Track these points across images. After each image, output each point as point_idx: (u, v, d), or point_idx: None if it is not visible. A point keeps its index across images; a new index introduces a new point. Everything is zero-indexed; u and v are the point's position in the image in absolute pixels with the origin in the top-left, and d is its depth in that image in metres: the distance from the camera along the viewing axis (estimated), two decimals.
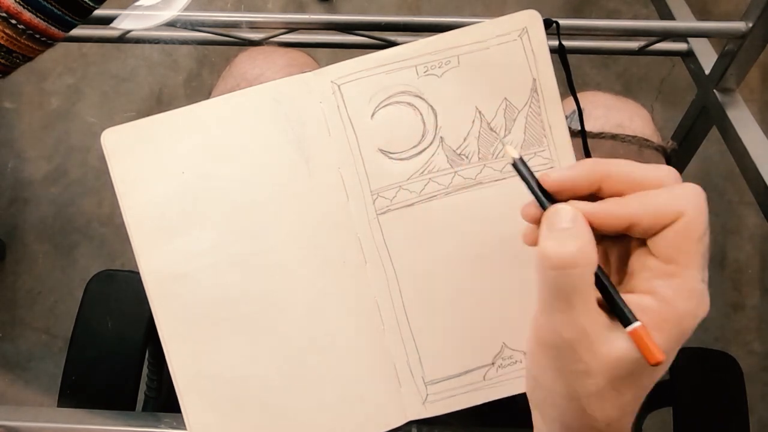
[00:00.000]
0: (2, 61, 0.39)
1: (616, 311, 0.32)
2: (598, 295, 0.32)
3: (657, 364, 0.30)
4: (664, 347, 0.31)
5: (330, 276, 0.43)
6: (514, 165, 0.35)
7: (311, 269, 0.43)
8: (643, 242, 0.33)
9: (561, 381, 0.33)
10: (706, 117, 0.78)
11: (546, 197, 0.34)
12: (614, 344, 0.31)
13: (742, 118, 0.70)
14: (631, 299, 0.32)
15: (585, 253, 0.32)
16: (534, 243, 0.34)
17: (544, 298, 0.33)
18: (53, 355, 1.21)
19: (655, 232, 0.32)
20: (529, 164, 0.36)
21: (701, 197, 0.33)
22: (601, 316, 0.32)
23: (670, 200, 0.32)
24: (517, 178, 0.35)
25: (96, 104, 1.39)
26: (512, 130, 0.42)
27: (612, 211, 0.33)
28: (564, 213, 0.33)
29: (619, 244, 0.35)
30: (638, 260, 0.33)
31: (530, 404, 0.36)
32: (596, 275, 0.32)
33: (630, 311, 0.31)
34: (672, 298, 0.32)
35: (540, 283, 0.33)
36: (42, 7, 0.37)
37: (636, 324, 0.31)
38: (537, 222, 0.34)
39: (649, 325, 0.31)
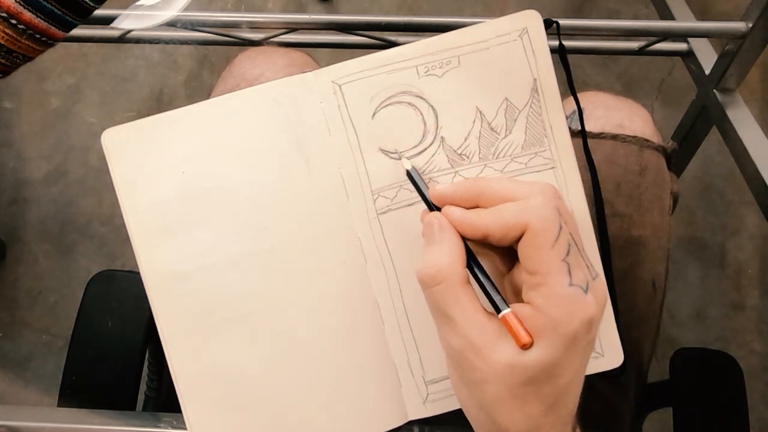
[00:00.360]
0: (3, 61, 0.39)
1: (492, 302, 0.33)
2: (477, 301, 0.35)
3: (525, 347, 0.32)
4: (550, 353, 0.32)
5: (330, 276, 0.43)
6: (408, 175, 0.40)
7: (311, 269, 0.43)
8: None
9: (467, 391, 0.35)
10: (706, 117, 0.78)
11: (434, 207, 0.38)
12: (503, 350, 0.33)
13: (742, 118, 0.70)
14: (515, 308, 0.34)
15: (445, 267, 0.34)
16: None
17: (432, 313, 0.36)
18: (53, 354, 1.21)
19: (509, 243, 0.35)
20: (529, 164, 0.39)
21: (547, 207, 0.34)
22: (488, 324, 0.34)
23: (516, 213, 0.34)
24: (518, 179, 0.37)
25: (96, 104, 1.39)
26: (513, 130, 0.42)
27: (470, 220, 0.36)
28: (434, 221, 0.36)
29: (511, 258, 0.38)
30: (517, 274, 0.36)
31: None
32: (479, 280, 0.35)
33: (502, 300, 0.33)
34: (542, 305, 0.33)
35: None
36: (42, 7, 0.37)
37: (505, 311, 0.33)
38: None
39: (532, 333, 0.33)
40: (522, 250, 0.34)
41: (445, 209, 0.37)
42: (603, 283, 0.35)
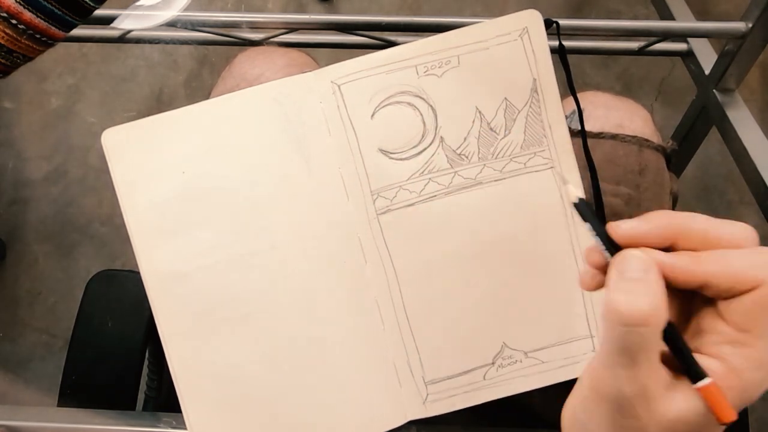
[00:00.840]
0: (3, 61, 0.39)
1: (688, 367, 0.30)
2: (663, 348, 0.31)
3: (726, 423, 0.29)
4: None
5: (330, 276, 0.43)
6: (577, 207, 0.34)
7: (311, 269, 0.43)
8: (712, 301, 0.32)
9: None
10: (705, 117, 0.78)
11: (612, 244, 0.32)
12: (673, 404, 0.31)
13: (741, 118, 0.70)
14: (698, 359, 0.31)
15: (657, 310, 0.30)
16: (590, 287, 0.33)
17: (608, 350, 0.32)
18: (53, 354, 1.21)
19: (730, 296, 0.31)
20: (528, 163, 0.37)
21: None
22: (663, 374, 0.31)
23: (751, 266, 0.31)
24: (518, 178, 0.35)
25: (96, 104, 1.39)
26: (512, 130, 0.42)
27: (687, 268, 0.31)
28: (636, 261, 0.32)
29: (683, 298, 0.34)
30: (707, 321, 0.32)
31: None
32: (667, 330, 0.31)
33: (701, 368, 0.30)
34: (740, 367, 0.30)
35: (605, 335, 0.31)
36: (42, 7, 0.37)
37: (708, 380, 0.30)
38: (599, 267, 0.33)
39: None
40: (741, 306, 0.31)
41: (644, 251, 0.32)
42: None
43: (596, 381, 0.33)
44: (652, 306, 0.30)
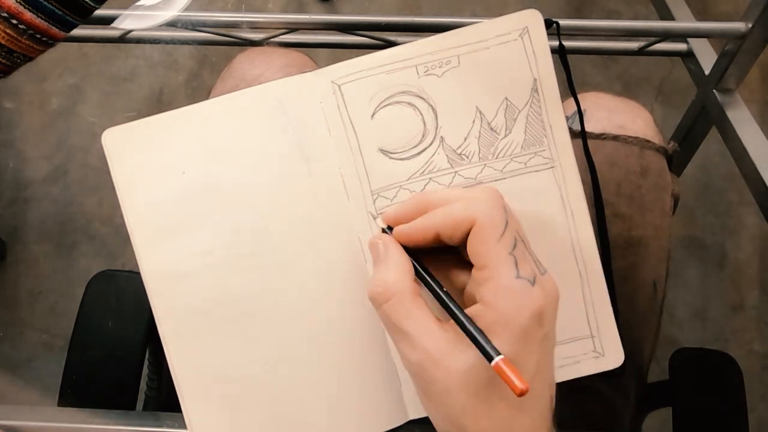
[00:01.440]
0: (3, 61, 0.39)
1: (477, 345, 0.33)
2: (429, 315, 0.35)
3: (522, 394, 0.31)
4: (505, 349, 0.32)
5: (330, 276, 0.43)
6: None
7: (311, 269, 0.43)
8: (463, 261, 0.36)
9: (432, 405, 0.35)
10: (705, 117, 0.78)
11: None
12: (460, 357, 0.33)
13: (741, 118, 0.70)
14: (468, 311, 0.34)
15: (391, 287, 0.35)
16: None
17: (387, 331, 0.37)
18: (54, 354, 1.21)
19: (459, 241, 0.35)
20: (528, 163, 0.40)
21: (492, 201, 0.35)
22: (442, 334, 0.34)
23: (464, 209, 0.35)
24: (518, 178, 0.39)
25: (97, 104, 1.39)
26: (512, 130, 0.42)
27: (421, 225, 0.36)
28: (376, 245, 0.38)
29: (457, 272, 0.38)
30: (465, 276, 0.37)
31: None
32: (443, 301, 0.35)
33: (491, 346, 0.32)
34: (492, 301, 0.33)
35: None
36: (43, 7, 0.37)
37: (498, 358, 0.31)
38: None
39: (484, 330, 0.33)
40: (470, 246, 0.35)
41: (395, 228, 0.38)
42: (552, 279, 0.35)
43: (402, 361, 0.36)
44: (387, 281, 0.36)
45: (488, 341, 0.32)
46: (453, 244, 0.36)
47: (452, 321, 0.35)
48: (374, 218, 0.42)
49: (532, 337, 0.33)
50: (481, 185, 0.39)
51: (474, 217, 0.34)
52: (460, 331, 0.34)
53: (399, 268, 0.36)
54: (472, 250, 0.35)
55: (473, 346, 0.33)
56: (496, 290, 0.33)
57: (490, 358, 0.32)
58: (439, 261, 0.38)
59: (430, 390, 0.34)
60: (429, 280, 0.37)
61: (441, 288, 0.36)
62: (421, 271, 0.37)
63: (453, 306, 0.35)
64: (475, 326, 0.33)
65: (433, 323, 0.34)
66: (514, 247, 0.34)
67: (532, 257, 0.35)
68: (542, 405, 0.35)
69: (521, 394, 0.31)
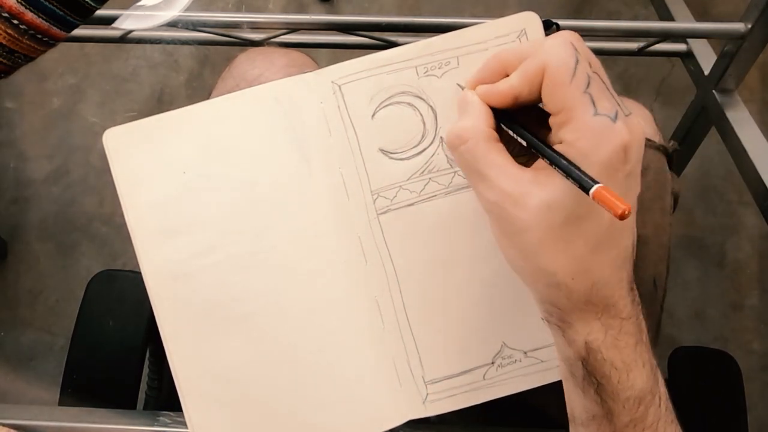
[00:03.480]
0: (4, 61, 0.39)
1: (575, 180, 0.32)
2: (504, 156, 0.35)
3: (623, 216, 0.30)
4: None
5: (330, 276, 0.43)
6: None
7: (312, 269, 0.43)
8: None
9: (510, 244, 0.35)
10: (705, 117, 0.78)
11: None
12: (538, 195, 0.33)
13: (741, 118, 0.71)
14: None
15: (467, 130, 0.36)
16: None
17: (466, 176, 0.37)
18: (54, 354, 1.21)
19: (538, 95, 0.35)
20: (526, 164, 0.39)
21: (560, 45, 0.34)
22: (520, 174, 0.34)
23: (533, 61, 0.34)
24: None
25: (97, 104, 1.39)
26: None
27: (496, 88, 0.36)
28: (462, 96, 0.38)
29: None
30: (547, 128, 0.36)
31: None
32: (529, 140, 0.35)
33: (586, 176, 0.32)
34: (571, 139, 0.33)
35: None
36: (44, 8, 0.37)
37: (596, 185, 0.31)
38: None
39: None
40: (544, 93, 0.34)
41: (477, 89, 0.38)
42: (639, 120, 0.34)
43: (480, 205, 0.37)
44: (464, 126, 0.36)
45: (582, 171, 0.32)
46: (534, 100, 0.36)
47: (530, 164, 0.35)
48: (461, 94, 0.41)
49: (616, 173, 0.33)
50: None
51: (544, 63, 0.34)
52: (538, 172, 0.34)
53: (477, 115, 0.36)
54: (547, 97, 0.34)
55: (552, 185, 0.33)
56: (575, 129, 0.33)
57: (587, 187, 0.31)
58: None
59: (508, 229, 0.35)
60: (512, 126, 0.36)
61: (525, 129, 0.36)
62: (502, 122, 0.37)
63: (539, 143, 0.34)
64: (566, 159, 0.33)
65: (511, 165, 0.35)
66: (588, 84, 0.33)
67: (614, 96, 0.34)
68: (622, 247, 0.35)
69: (623, 215, 0.30)
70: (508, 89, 0.36)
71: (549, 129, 0.35)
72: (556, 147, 0.34)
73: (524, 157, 0.36)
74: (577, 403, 0.37)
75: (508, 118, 0.37)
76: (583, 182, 0.31)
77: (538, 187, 0.33)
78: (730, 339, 1.22)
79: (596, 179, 0.31)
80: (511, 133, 0.36)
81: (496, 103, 0.36)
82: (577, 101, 0.33)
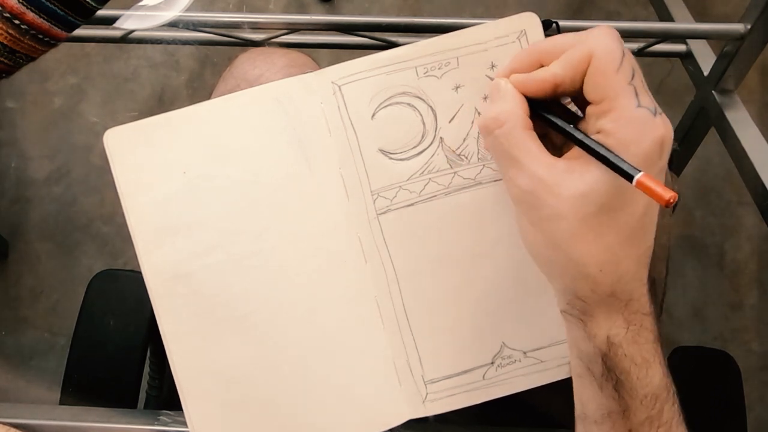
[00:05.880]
0: (5, 61, 0.39)
1: (616, 168, 0.32)
2: (537, 144, 0.35)
3: (669, 204, 0.30)
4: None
5: (330, 276, 0.43)
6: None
7: (312, 269, 0.43)
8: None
9: (539, 232, 0.35)
10: (704, 118, 0.78)
11: None
12: (573, 183, 0.33)
13: (740, 119, 0.71)
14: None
15: (505, 113, 0.35)
16: None
17: (497, 161, 0.37)
18: (55, 353, 1.21)
19: (580, 84, 0.35)
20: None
21: (608, 35, 0.34)
22: (554, 162, 0.34)
23: (579, 49, 0.34)
24: None
25: (98, 104, 1.39)
26: None
27: (535, 76, 0.36)
28: (494, 85, 0.38)
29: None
30: (589, 120, 0.36)
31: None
32: (565, 131, 0.35)
33: (630, 166, 0.32)
34: (612, 129, 0.33)
35: (489, 150, 0.37)
36: (45, 8, 0.38)
37: (638, 175, 0.31)
38: None
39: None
40: (588, 81, 0.34)
41: (512, 76, 0.37)
42: (668, 119, 0.35)
43: (509, 192, 0.36)
44: (501, 110, 0.35)
45: (624, 161, 0.32)
46: (574, 90, 0.35)
47: (564, 153, 0.35)
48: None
49: (653, 166, 0.33)
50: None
51: (591, 51, 0.34)
52: (572, 162, 0.34)
53: (513, 101, 0.36)
54: (590, 85, 0.34)
55: (588, 174, 0.33)
56: (617, 119, 0.33)
57: (631, 175, 0.31)
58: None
59: (537, 216, 0.34)
60: (550, 114, 0.36)
61: (562, 117, 0.36)
62: (540, 110, 0.37)
63: (578, 133, 0.34)
64: (606, 148, 0.33)
65: (545, 153, 0.34)
66: (633, 77, 0.34)
67: (648, 93, 0.34)
68: (647, 245, 0.35)
69: (668, 203, 0.30)
70: (550, 77, 0.35)
71: (575, 123, 0.36)
72: (594, 137, 0.34)
73: (552, 152, 0.36)
74: (591, 399, 0.37)
75: (542, 109, 0.37)
76: (626, 170, 0.31)
77: (573, 176, 0.33)
78: (729, 339, 1.22)
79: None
80: (553, 119, 0.36)
81: (533, 91, 0.36)
82: (622, 91, 0.33)
